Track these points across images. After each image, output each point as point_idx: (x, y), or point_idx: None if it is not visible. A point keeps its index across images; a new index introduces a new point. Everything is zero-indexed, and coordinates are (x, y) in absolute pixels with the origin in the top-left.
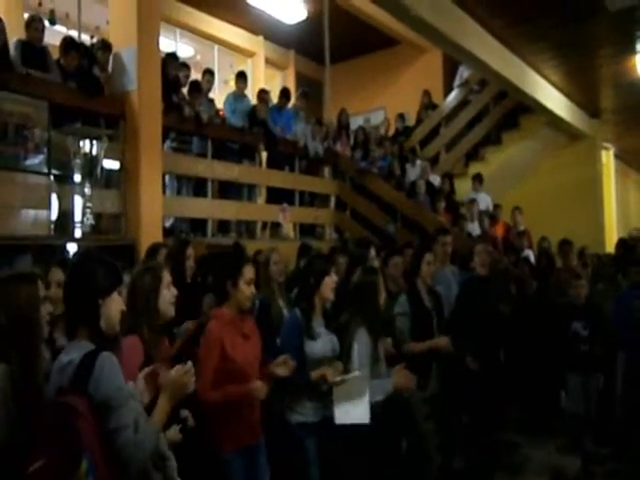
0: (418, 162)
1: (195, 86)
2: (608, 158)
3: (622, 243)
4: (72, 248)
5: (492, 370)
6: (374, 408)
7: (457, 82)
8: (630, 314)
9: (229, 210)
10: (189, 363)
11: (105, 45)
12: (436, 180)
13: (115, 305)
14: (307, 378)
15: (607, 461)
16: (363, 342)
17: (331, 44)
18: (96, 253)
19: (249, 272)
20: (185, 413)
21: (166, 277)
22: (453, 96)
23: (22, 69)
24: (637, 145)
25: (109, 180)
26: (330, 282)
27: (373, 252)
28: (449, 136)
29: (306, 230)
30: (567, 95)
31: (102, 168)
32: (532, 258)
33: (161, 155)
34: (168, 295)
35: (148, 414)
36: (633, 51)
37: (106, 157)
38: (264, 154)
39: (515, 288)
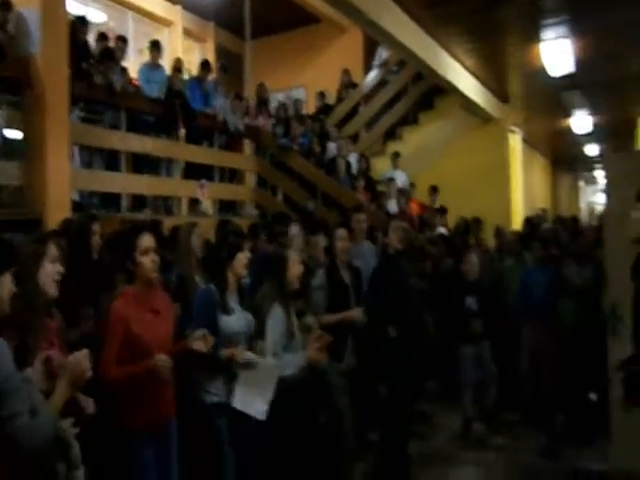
0: (339, 140)
1: (107, 53)
2: (516, 142)
3: (528, 221)
4: None
5: (409, 342)
6: (288, 382)
7: (376, 62)
8: (532, 289)
9: (144, 185)
10: (85, 350)
11: (4, 3)
12: (353, 158)
13: (5, 286)
14: (217, 356)
15: (514, 426)
16: (277, 318)
17: (252, 19)
18: None
19: (144, 242)
20: (88, 403)
21: (51, 250)
22: (372, 76)
23: None
24: (542, 130)
25: (12, 150)
26: (243, 258)
27: (295, 229)
28: (368, 115)
29: (226, 207)
30: (479, 79)
31: (4, 137)
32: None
33: (69, 125)
34: (50, 269)
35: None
36: (538, 39)
37: (8, 126)
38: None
39: (430, 265)
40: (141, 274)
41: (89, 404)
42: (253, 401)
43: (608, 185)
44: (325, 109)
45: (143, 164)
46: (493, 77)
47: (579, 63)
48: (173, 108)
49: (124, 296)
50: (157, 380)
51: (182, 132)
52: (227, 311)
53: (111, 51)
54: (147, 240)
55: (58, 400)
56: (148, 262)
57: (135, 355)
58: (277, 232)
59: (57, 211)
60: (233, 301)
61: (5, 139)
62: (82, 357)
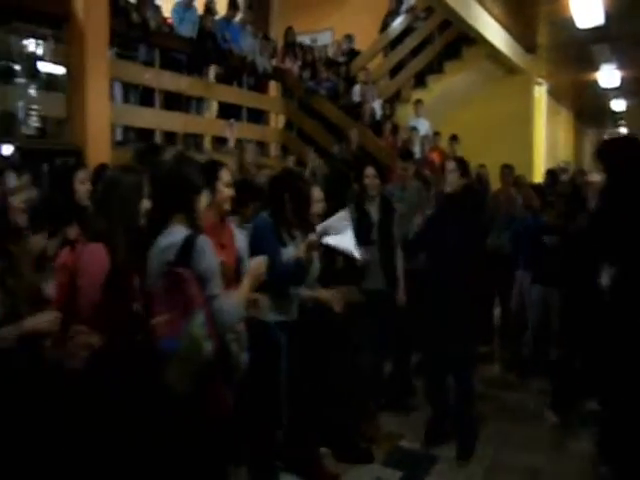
0: (364, 85)
1: None
2: (541, 93)
3: (550, 173)
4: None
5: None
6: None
7: (404, 8)
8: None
9: (177, 122)
10: (262, 257)
11: None
12: (377, 104)
13: (204, 201)
14: (295, 261)
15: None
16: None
17: None
18: (189, 157)
19: (225, 175)
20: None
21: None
22: (399, 22)
23: None
24: (568, 83)
25: (54, 83)
26: (317, 194)
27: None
28: (394, 61)
29: None
30: (506, 29)
31: (47, 71)
32: None
33: (108, 60)
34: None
35: None
36: None
37: (51, 60)
38: (212, 67)
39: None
40: (218, 204)
41: None
42: (344, 242)
43: None
44: (351, 53)
45: (173, 102)
46: (521, 27)
47: (609, 15)
48: (205, 48)
49: (205, 220)
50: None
51: (212, 72)
52: (284, 243)
53: None
54: (227, 174)
55: (242, 294)
56: (229, 193)
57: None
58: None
59: (97, 144)
60: (286, 234)
61: (49, 72)
62: (261, 261)
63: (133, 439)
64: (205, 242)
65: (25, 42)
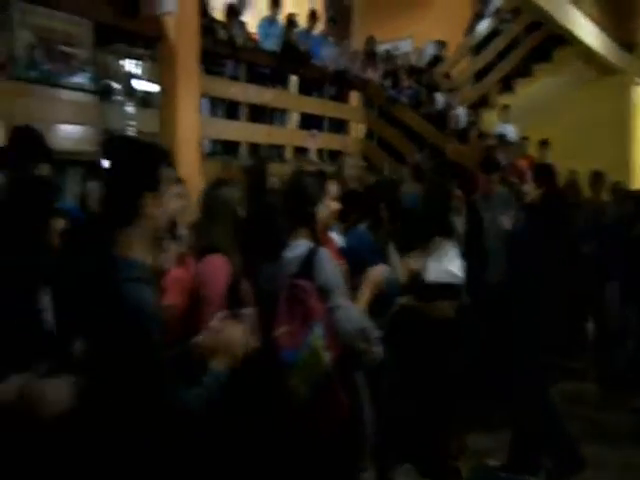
0: (448, 92)
1: (231, 9)
2: None
3: None
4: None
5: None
6: None
7: (490, 10)
8: None
9: (261, 133)
10: (381, 265)
11: None
12: (461, 111)
13: (322, 213)
14: (397, 281)
15: None
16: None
17: None
18: (307, 170)
19: (333, 188)
20: None
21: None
22: (484, 25)
23: None
24: None
25: (149, 100)
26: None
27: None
28: (479, 66)
29: (333, 157)
30: (601, 27)
31: (142, 89)
32: None
33: (198, 77)
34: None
35: None
36: None
37: (146, 78)
38: (294, 79)
39: None
40: (324, 217)
41: None
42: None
43: None
44: (434, 59)
45: (257, 113)
46: (616, 24)
47: None
48: (289, 60)
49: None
50: None
51: (295, 83)
52: (385, 259)
53: (234, 7)
54: (335, 187)
55: (363, 301)
56: (335, 206)
57: None
58: None
59: (187, 155)
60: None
61: (144, 90)
62: (381, 269)
63: (253, 445)
64: (325, 254)
65: (122, 62)
